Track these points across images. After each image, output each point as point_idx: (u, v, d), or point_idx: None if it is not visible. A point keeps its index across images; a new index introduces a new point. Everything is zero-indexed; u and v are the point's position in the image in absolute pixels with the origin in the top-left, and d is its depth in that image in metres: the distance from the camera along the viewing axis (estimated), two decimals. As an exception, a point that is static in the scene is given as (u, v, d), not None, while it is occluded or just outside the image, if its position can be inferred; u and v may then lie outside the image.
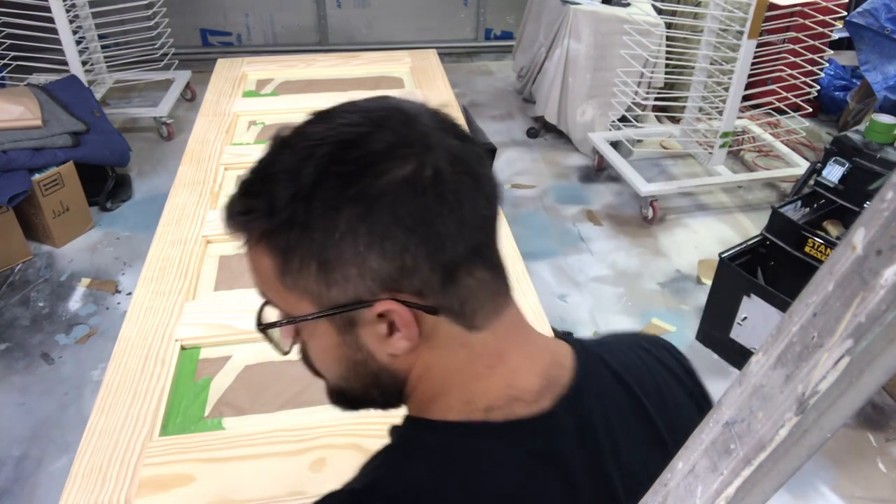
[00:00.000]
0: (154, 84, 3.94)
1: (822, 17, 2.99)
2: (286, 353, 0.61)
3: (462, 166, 0.53)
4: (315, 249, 0.50)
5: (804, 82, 3.10)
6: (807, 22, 3.11)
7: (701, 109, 3.30)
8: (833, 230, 2.28)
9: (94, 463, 1.09)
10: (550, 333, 1.14)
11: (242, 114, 2.25)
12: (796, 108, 3.24)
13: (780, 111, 3.25)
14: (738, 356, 2.36)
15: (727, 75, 3.10)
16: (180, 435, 1.15)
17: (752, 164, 3.59)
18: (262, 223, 0.52)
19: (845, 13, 3.11)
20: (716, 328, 2.41)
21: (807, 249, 2.21)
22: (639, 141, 3.64)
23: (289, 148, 0.53)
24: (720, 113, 3.19)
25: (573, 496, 0.57)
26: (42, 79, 3.38)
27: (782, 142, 3.48)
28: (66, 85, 3.15)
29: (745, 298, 2.25)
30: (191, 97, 4.03)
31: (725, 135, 3.21)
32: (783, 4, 2.93)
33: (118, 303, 2.59)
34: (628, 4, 3.47)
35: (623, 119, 3.36)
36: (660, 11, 3.29)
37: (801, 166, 3.26)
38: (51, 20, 3.19)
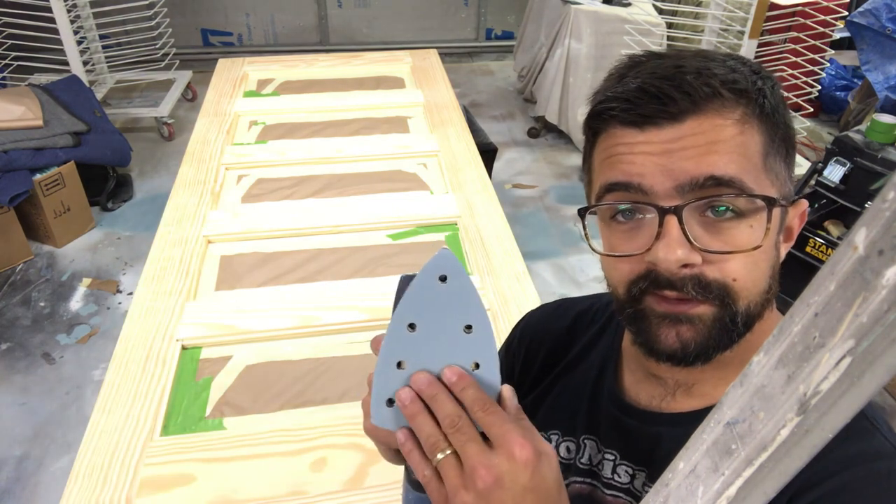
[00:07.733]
0: (155, 84, 3.94)
1: (823, 17, 2.99)
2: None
3: None
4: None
5: (805, 82, 3.09)
6: (808, 22, 3.10)
7: (702, 109, 3.29)
8: (834, 230, 2.28)
9: (95, 463, 1.09)
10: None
11: (243, 114, 2.25)
12: (797, 107, 3.24)
13: (781, 111, 3.24)
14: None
15: (728, 75, 3.09)
16: (181, 435, 1.15)
17: (753, 163, 3.58)
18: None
19: (846, 13, 3.11)
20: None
21: (808, 249, 2.21)
22: (640, 141, 3.64)
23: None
24: (721, 113, 3.18)
25: None
26: (43, 79, 3.39)
27: (783, 142, 3.48)
28: (67, 85, 3.15)
29: (746, 298, 2.25)
30: (192, 97, 4.03)
31: (726, 135, 3.20)
32: (784, 4, 2.92)
33: (119, 303, 2.59)
34: (629, 4, 3.47)
35: (624, 119, 3.36)
36: (661, 11, 3.29)
37: (802, 166, 3.25)
38: (52, 20, 3.19)
